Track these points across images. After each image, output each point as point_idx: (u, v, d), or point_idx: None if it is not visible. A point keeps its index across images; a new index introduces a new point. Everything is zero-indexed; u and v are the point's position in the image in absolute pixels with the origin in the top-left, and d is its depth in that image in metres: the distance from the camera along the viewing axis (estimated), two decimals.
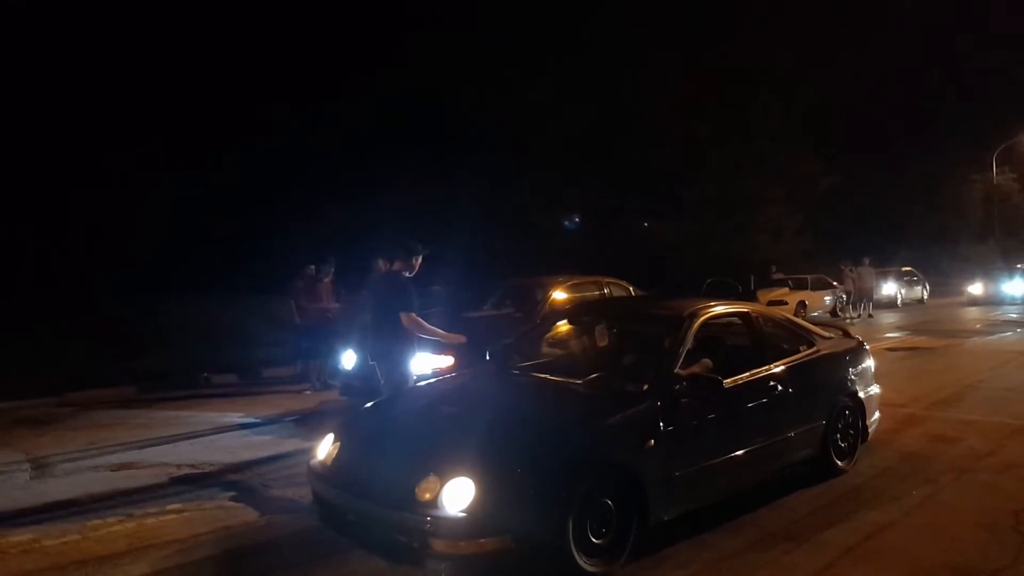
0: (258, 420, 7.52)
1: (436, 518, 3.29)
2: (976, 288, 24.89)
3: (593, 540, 3.53)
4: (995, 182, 35.03)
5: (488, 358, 5.28)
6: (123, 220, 15.98)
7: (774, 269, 22.51)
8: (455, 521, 3.27)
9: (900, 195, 33.63)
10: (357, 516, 3.68)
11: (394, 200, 18.83)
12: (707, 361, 4.58)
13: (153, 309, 12.58)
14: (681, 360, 4.29)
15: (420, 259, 5.55)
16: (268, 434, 6.94)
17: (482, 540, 3.29)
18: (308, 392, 8.97)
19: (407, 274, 5.46)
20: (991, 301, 23.63)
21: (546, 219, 22.22)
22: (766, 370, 4.76)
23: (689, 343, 4.43)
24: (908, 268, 25.75)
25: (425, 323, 5.40)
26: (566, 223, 25.09)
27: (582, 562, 3.46)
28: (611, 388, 4.25)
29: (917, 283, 25.63)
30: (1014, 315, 19.21)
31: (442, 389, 5.09)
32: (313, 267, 9.36)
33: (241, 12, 18.92)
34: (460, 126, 21.23)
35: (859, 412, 5.41)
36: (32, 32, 16.17)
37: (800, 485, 4.82)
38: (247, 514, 4.63)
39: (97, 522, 4.45)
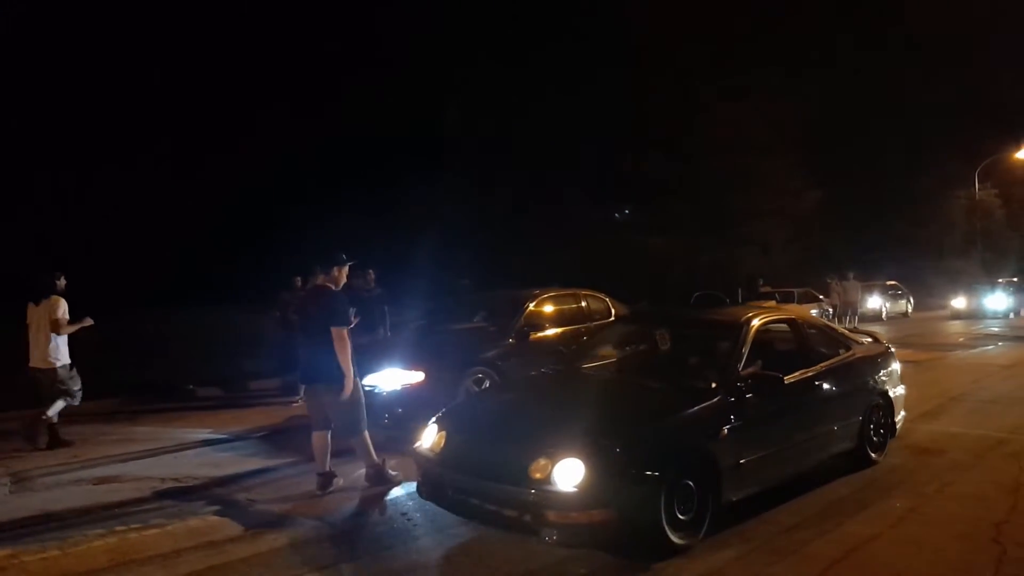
0: (244, 433, 7.46)
1: (550, 493, 3.79)
2: (959, 302, 25.17)
3: (679, 516, 4.02)
4: (977, 198, 35.46)
5: (558, 358, 5.94)
6: (110, 233, 15.86)
7: (761, 282, 22.59)
8: (567, 495, 3.76)
9: (885, 210, 33.96)
10: (469, 493, 4.17)
11: (388, 214, 18.84)
12: (760, 362, 4.99)
13: (138, 321, 12.45)
14: (744, 360, 4.81)
15: (345, 270, 5.40)
16: (253, 447, 6.88)
17: (591, 512, 3.77)
18: (296, 404, 8.90)
19: (332, 287, 5.31)
20: (974, 315, 23.92)
21: (535, 231, 22.25)
22: (814, 370, 5.31)
23: (749, 345, 4.93)
24: (893, 282, 26.00)
25: (348, 347, 5.12)
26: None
27: (671, 535, 3.95)
28: (683, 385, 4.80)
29: (901, 297, 25.87)
30: (995, 329, 19.42)
31: (527, 385, 5.64)
32: (300, 278, 9.32)
33: (230, 24, 18.89)
34: (453, 140, 21.31)
35: (889, 410, 5.96)
36: (43, 40, 16.07)
37: (785, 498, 4.83)
38: (232, 528, 4.58)
39: (78, 537, 4.39)
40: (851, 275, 19.80)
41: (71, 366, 6.89)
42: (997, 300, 24.28)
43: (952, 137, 34.76)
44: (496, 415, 4.90)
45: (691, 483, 4.09)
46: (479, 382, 7.20)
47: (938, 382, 9.97)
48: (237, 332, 11.48)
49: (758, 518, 4.52)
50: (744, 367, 4.78)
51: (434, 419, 4.76)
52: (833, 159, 30.95)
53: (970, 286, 25.70)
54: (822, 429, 5.25)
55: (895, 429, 6.05)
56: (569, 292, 8.98)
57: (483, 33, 22.71)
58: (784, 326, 5.75)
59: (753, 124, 27.20)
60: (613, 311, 9.04)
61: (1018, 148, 33.58)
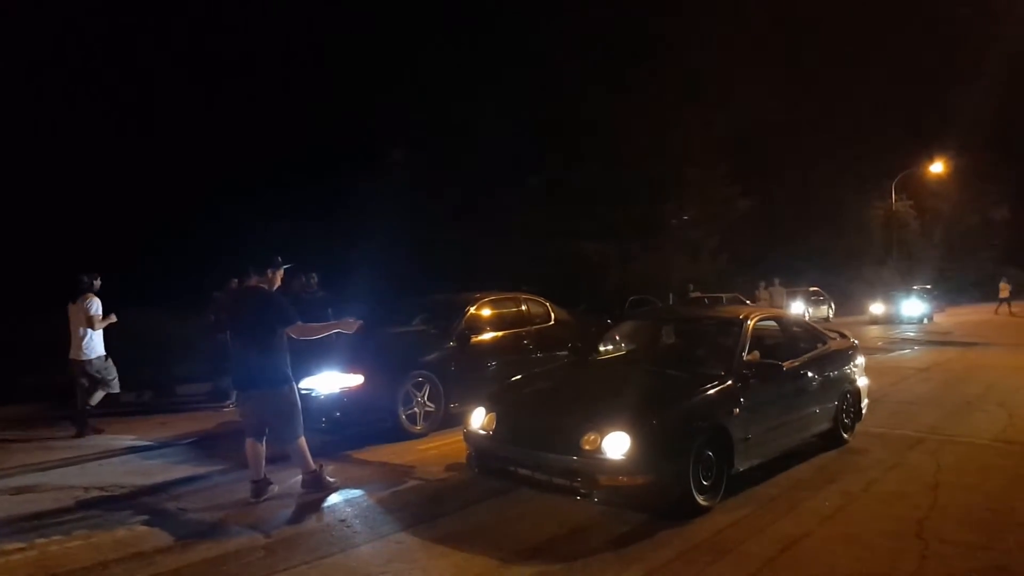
0: (173, 440, 7.19)
1: (600, 461, 4.46)
2: (877, 308, 26.47)
3: (703, 482, 4.71)
4: (894, 209, 37.35)
5: (570, 351, 6.69)
6: (28, 227, 14.96)
7: (691, 288, 23.29)
8: (616, 463, 4.43)
9: (809, 219, 35.40)
10: (521, 464, 4.86)
11: (328, 216, 18.49)
12: (756, 352, 5.64)
13: (57, 321, 11.74)
14: (746, 351, 5.52)
15: (280, 273, 5.28)
16: (183, 454, 6.64)
17: (636, 476, 4.44)
18: (227, 409, 8.62)
19: (267, 288, 5.17)
20: (891, 320, 25.17)
21: (473, 235, 22.23)
22: (800, 361, 6.05)
23: (749, 338, 5.66)
24: (815, 288, 27.12)
25: (313, 324, 5.34)
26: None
27: (697, 497, 4.66)
28: (698, 372, 5.46)
29: (823, 302, 27.00)
30: (911, 334, 20.47)
31: (560, 373, 6.37)
32: (236, 280, 9.03)
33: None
34: (393, 142, 21.11)
35: (857, 396, 6.79)
36: None
37: (720, 498, 4.95)
38: (160, 538, 4.40)
39: None
40: (777, 281, 20.56)
41: (106, 357, 7.66)
42: (912, 306, 25.61)
43: (871, 151, 36.62)
44: (540, 397, 5.54)
45: (711, 453, 4.79)
46: (419, 386, 7.14)
47: None
48: (166, 334, 11.03)
49: (692, 519, 4.61)
50: (746, 357, 5.49)
51: (484, 401, 5.38)
52: (760, 171, 32.06)
53: (887, 293, 27.05)
54: (808, 411, 6.03)
55: (861, 414, 6.87)
56: (510, 296, 9.01)
57: (423, 36, 22.65)
58: (772, 323, 6.64)
59: (686, 134, 27.96)
60: (553, 315, 9.13)
61: (931, 162, 35.59)
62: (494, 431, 5.10)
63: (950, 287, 36.56)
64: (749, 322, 5.83)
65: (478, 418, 5.25)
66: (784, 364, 5.64)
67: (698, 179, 28.63)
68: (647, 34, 27.65)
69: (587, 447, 4.53)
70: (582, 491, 4.56)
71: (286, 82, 19.80)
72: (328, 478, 5.30)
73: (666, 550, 4.14)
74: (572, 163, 24.86)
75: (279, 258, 5.29)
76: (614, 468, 4.45)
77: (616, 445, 4.45)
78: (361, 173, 19.95)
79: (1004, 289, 28.86)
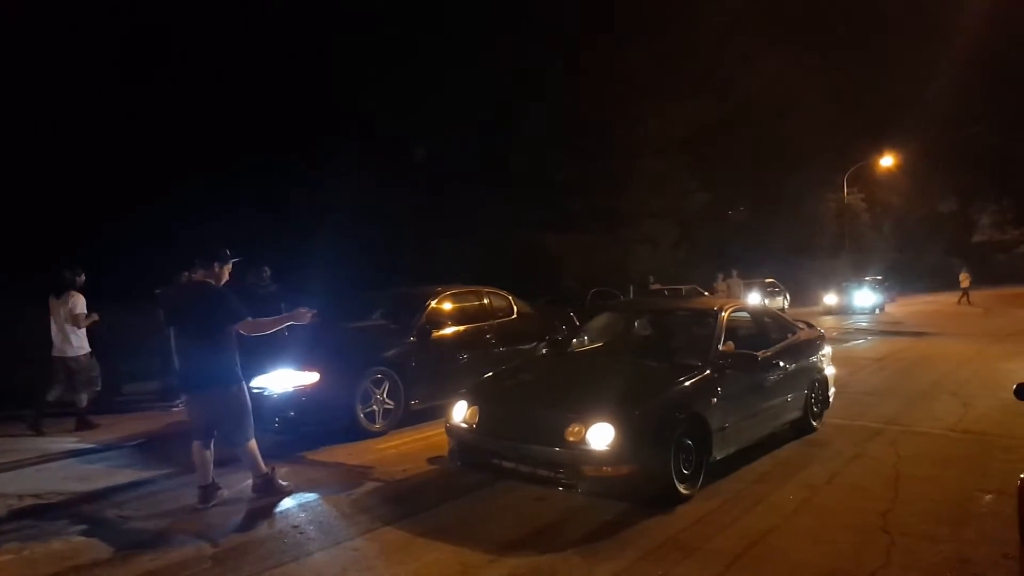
0: (116, 442, 6.84)
1: (585, 452, 4.52)
2: (831, 298, 27.01)
3: (684, 471, 4.81)
4: (846, 201, 38.15)
5: (546, 344, 6.83)
6: None
7: (652, 279, 23.44)
8: (601, 453, 4.50)
9: (764, 212, 35.92)
10: (504, 457, 4.84)
11: (279, 208, 18.02)
12: (731, 343, 5.75)
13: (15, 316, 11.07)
14: (722, 342, 5.64)
15: (228, 267, 5.03)
16: (127, 458, 6.32)
17: (620, 466, 4.50)
18: (176, 409, 8.28)
19: (213, 283, 4.93)
20: (844, 310, 25.68)
21: (438, 229, 21.96)
22: (773, 351, 6.15)
23: (724, 329, 5.79)
24: (771, 279, 27.53)
25: (262, 320, 5.04)
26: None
27: (678, 485, 4.74)
28: (676, 362, 5.54)
29: (779, 293, 27.41)
30: (864, 324, 20.90)
31: (539, 366, 6.43)
32: (186, 274, 8.65)
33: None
34: (348, 133, 20.66)
35: (825, 385, 6.97)
36: None
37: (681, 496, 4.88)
38: (99, 550, 4.15)
39: None
40: (734, 273, 20.76)
41: (91, 354, 7.54)
42: (864, 296, 26.20)
43: (824, 145, 37.27)
44: (523, 390, 5.55)
45: (690, 442, 4.87)
46: (378, 382, 6.94)
47: None
48: (113, 329, 10.51)
49: (658, 515, 4.54)
50: (722, 347, 5.61)
51: (464, 394, 5.38)
52: (717, 164, 32.40)
53: (840, 284, 27.61)
54: (781, 399, 6.14)
55: (829, 402, 7.04)
56: (471, 290, 8.85)
57: (380, 26, 22.26)
58: (745, 314, 6.78)
59: (645, 127, 28.09)
60: (515, 309, 9.00)
61: (881, 155, 36.42)
62: (477, 424, 5.08)
63: (900, 278, 37.53)
64: (724, 313, 5.95)
65: (460, 411, 5.22)
66: (759, 354, 5.72)
67: (657, 171, 28.79)
68: (607, 27, 27.68)
69: (571, 438, 4.57)
70: (566, 482, 4.59)
71: (240, 72, 19.17)
72: (281, 481, 5.09)
73: (633, 550, 4.05)
74: (532, 156, 24.77)
75: (227, 251, 5.04)
76: (599, 459, 4.50)
77: (601, 436, 4.50)
78: (318, 165, 19.49)
79: (964, 279, 29.67)
